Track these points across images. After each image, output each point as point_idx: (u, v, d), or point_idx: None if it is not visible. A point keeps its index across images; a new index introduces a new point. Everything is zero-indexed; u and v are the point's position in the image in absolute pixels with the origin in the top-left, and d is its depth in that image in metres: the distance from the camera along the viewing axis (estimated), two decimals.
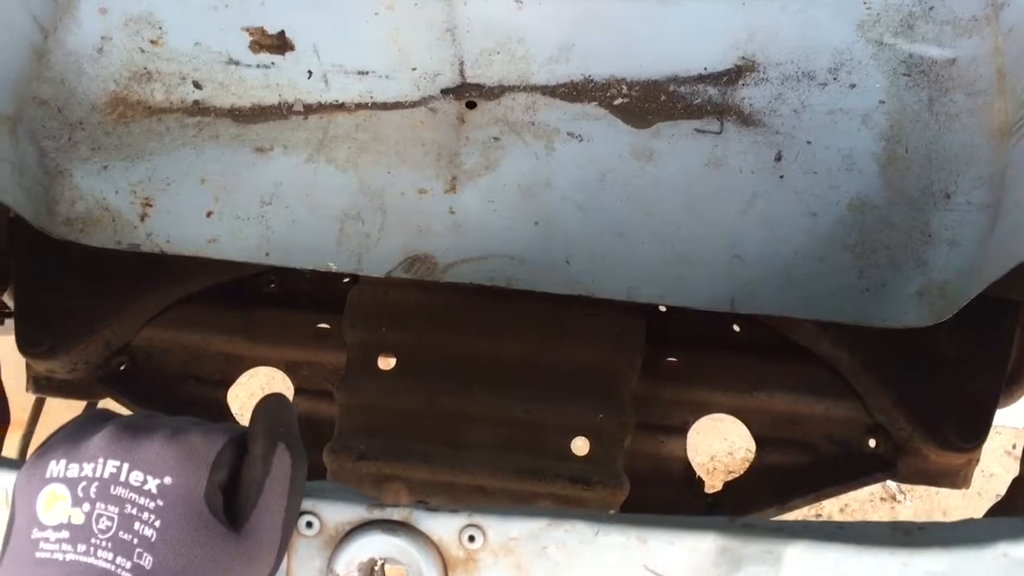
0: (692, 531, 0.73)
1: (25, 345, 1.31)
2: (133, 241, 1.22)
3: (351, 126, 1.29)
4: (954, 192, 1.18)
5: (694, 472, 1.34)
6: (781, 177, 1.24)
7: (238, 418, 1.45)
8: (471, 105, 1.31)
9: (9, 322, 1.32)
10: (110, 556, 0.65)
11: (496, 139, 1.29)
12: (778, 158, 1.25)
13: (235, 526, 0.68)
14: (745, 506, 1.29)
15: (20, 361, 1.35)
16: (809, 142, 1.25)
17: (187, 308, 1.37)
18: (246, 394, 1.88)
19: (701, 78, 1.30)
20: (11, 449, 1.32)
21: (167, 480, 0.67)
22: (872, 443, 1.31)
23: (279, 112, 1.30)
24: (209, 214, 1.23)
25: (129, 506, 0.66)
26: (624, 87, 1.30)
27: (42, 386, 1.36)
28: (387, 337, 1.25)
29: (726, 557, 0.72)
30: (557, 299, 1.20)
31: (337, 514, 0.74)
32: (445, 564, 0.73)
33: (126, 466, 0.67)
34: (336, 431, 1.23)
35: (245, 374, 1.37)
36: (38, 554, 0.66)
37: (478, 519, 0.73)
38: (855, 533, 0.73)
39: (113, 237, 1.21)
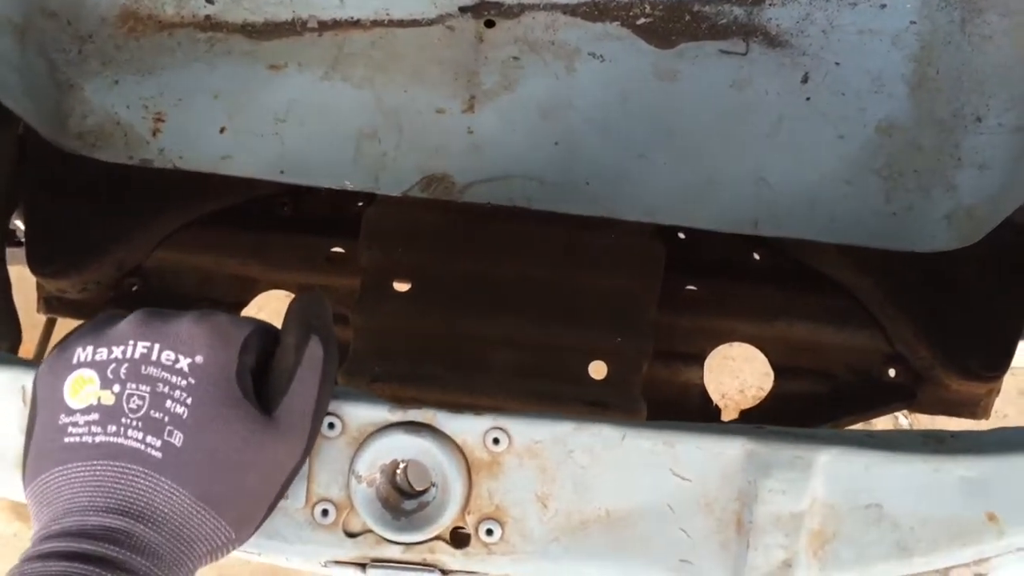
0: (720, 436, 0.71)
1: (36, 264, 1.29)
2: (145, 156, 1.19)
3: (367, 44, 1.26)
4: (985, 115, 1.15)
5: (711, 400, 1.33)
6: (808, 99, 1.21)
7: None
8: (490, 24, 1.28)
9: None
10: (140, 436, 0.64)
11: (515, 59, 1.26)
12: (805, 80, 1.22)
13: (266, 411, 0.67)
14: None
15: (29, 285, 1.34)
16: (837, 63, 1.21)
17: (200, 230, 1.35)
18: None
19: None
20: None
21: (198, 359, 0.66)
22: (892, 372, 1.30)
23: (293, 28, 1.26)
24: (222, 130, 1.21)
25: (161, 385, 0.65)
26: (647, 6, 1.27)
27: (53, 306, 1.34)
28: (403, 259, 1.24)
29: (754, 462, 0.71)
30: (577, 221, 1.18)
31: (359, 416, 0.73)
32: (469, 466, 0.72)
33: (157, 346, 0.66)
34: (350, 354, 1.21)
35: (260, 296, 1.36)
36: (66, 439, 0.65)
37: (503, 422, 0.72)
38: (886, 441, 0.71)
39: (125, 152, 1.19)
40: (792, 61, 1.23)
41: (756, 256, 1.35)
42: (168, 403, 0.65)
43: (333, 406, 0.73)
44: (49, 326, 1.37)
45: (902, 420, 2.10)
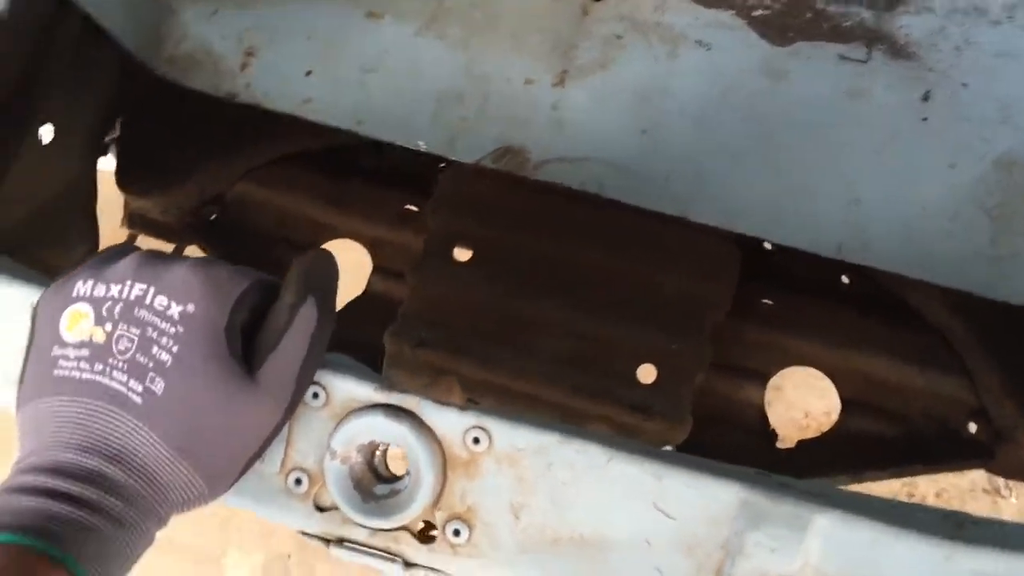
0: (715, 477, 0.66)
1: (123, 180, 1.32)
2: (231, 90, 1.20)
3: (468, 3, 1.22)
4: None
5: (768, 423, 1.25)
6: (925, 119, 1.11)
7: None
8: None
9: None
10: (124, 379, 0.64)
11: (618, 37, 1.20)
12: (926, 98, 1.12)
13: (250, 369, 0.66)
14: (816, 468, 1.20)
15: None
16: (965, 84, 1.11)
17: (284, 168, 1.35)
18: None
19: None
20: None
21: (190, 308, 0.65)
22: (973, 427, 1.19)
23: None
24: (309, 73, 1.20)
25: (150, 329, 0.65)
26: None
27: (135, 223, 1.38)
28: (468, 227, 1.20)
29: (747, 512, 0.65)
30: (651, 215, 1.12)
31: (345, 390, 0.70)
32: (445, 461, 0.69)
33: (152, 290, 0.66)
34: (400, 314, 1.20)
35: (331, 244, 1.36)
36: (56, 371, 0.66)
37: (486, 422, 0.68)
38: (899, 514, 0.64)
39: (212, 82, 1.19)
40: (916, 76, 1.12)
41: (844, 279, 1.26)
42: (154, 349, 0.65)
43: (321, 376, 0.71)
44: (130, 241, 1.41)
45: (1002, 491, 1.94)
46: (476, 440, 0.68)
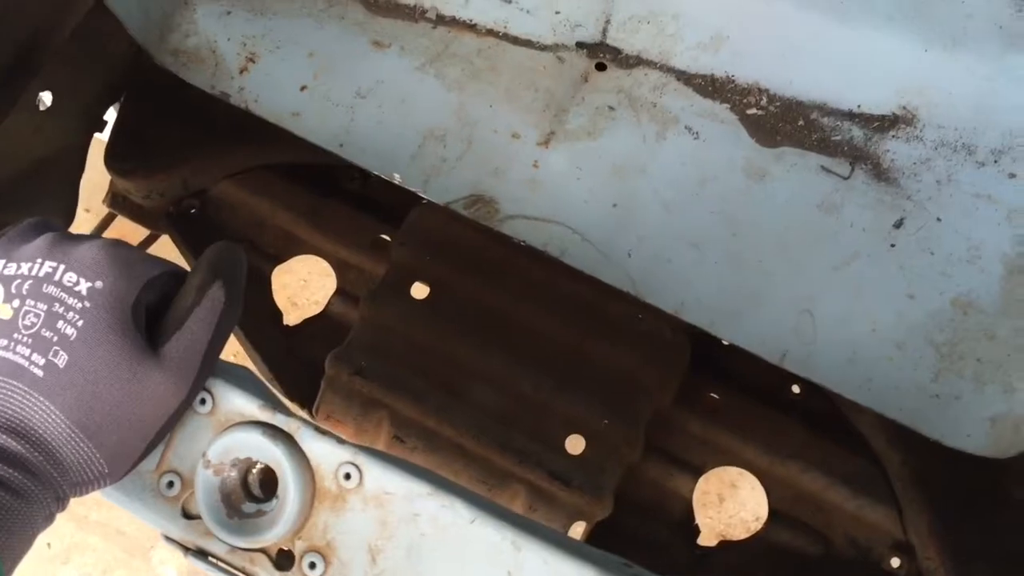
0: (574, 558, 0.65)
1: (111, 159, 1.34)
2: (225, 90, 1.21)
3: (473, 49, 1.24)
4: None
5: (693, 517, 1.24)
6: (892, 246, 1.11)
7: (281, 302, 1.44)
8: (601, 67, 1.23)
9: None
10: (27, 352, 0.64)
11: (611, 108, 1.21)
12: (898, 225, 1.12)
13: (154, 347, 0.66)
14: (730, 573, 1.18)
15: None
16: (939, 219, 1.11)
17: (268, 175, 1.37)
18: (296, 281, 1.84)
19: (850, 115, 1.17)
20: None
21: (98, 284, 0.66)
22: (895, 562, 1.17)
23: (411, 13, 1.26)
24: (303, 88, 1.21)
25: (57, 305, 0.65)
26: (764, 98, 1.19)
27: (117, 203, 1.39)
28: (429, 266, 1.21)
29: None
30: (610, 290, 1.12)
31: (231, 402, 0.70)
32: (315, 491, 0.68)
33: (62, 267, 0.66)
34: (347, 340, 1.20)
35: (296, 259, 1.37)
36: None
37: (362, 460, 0.68)
38: None
39: (209, 80, 1.21)
40: (892, 201, 1.13)
41: (795, 388, 1.25)
42: (60, 323, 0.65)
43: (212, 383, 0.70)
44: (108, 220, 1.42)
45: None
46: (348, 476, 0.68)
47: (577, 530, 1.11)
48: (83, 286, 0.66)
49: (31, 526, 0.63)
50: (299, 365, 1.30)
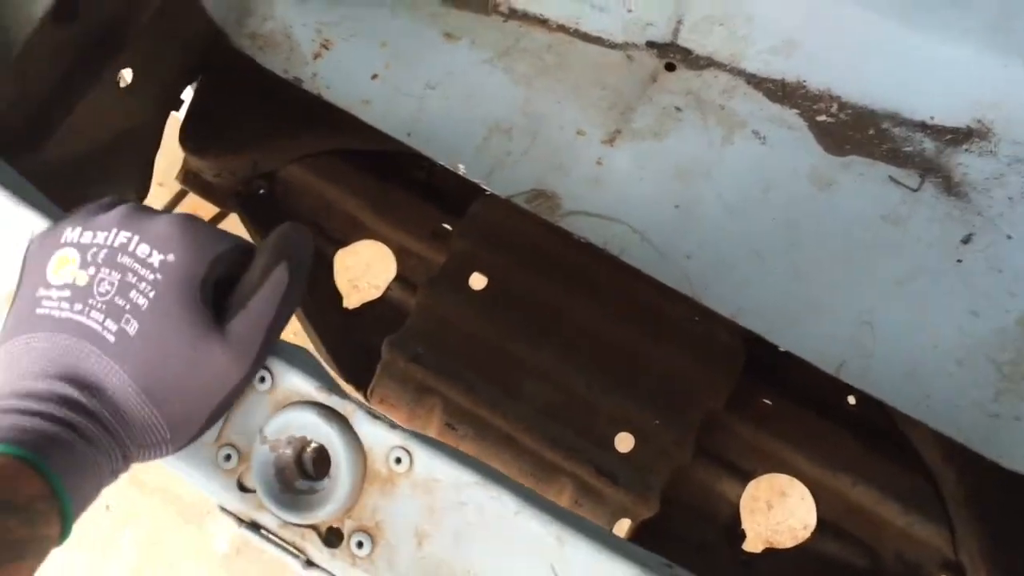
0: (617, 556, 0.66)
1: (185, 137, 1.37)
2: (298, 75, 1.24)
3: (543, 44, 1.25)
4: None
5: (740, 522, 1.23)
6: (959, 261, 1.09)
7: (342, 284, 1.47)
8: (670, 67, 1.23)
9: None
10: (101, 318, 0.67)
11: (678, 109, 1.21)
12: (966, 240, 1.10)
13: (220, 323, 0.68)
14: None
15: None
16: (1010, 237, 1.09)
17: (335, 161, 1.39)
18: (359, 264, 1.84)
19: (923, 126, 1.15)
20: None
21: (170, 257, 0.68)
22: None
23: (483, 6, 1.27)
24: (374, 77, 1.23)
25: (131, 275, 0.68)
26: (835, 105, 1.18)
27: (189, 180, 1.43)
28: (488, 258, 1.22)
29: None
30: (667, 290, 1.12)
31: (290, 381, 0.72)
32: (366, 472, 0.70)
33: (136, 238, 0.69)
34: (404, 327, 1.21)
35: (360, 243, 1.39)
36: (38, 310, 0.69)
37: (412, 445, 0.69)
38: None
39: (283, 65, 1.24)
40: (961, 216, 1.11)
41: (851, 400, 1.24)
42: (132, 293, 0.67)
43: (273, 363, 0.72)
44: (179, 196, 1.46)
45: None
46: (398, 460, 0.69)
47: (622, 527, 1.12)
48: (155, 258, 0.68)
49: (99, 475, 0.65)
50: (356, 348, 1.32)
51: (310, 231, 0.74)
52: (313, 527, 0.71)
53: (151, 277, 0.68)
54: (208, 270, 0.69)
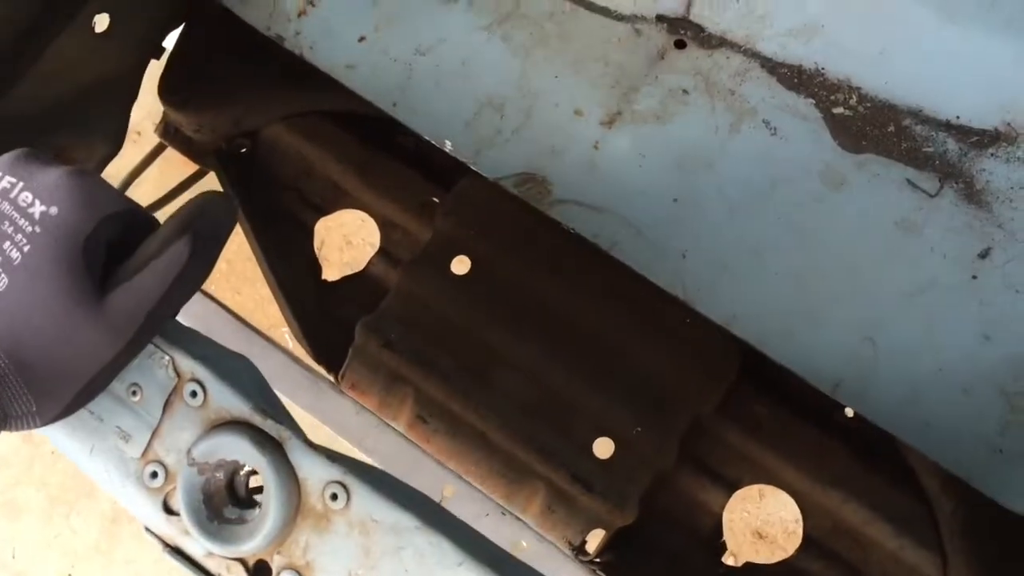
0: None
1: (164, 90, 1.30)
2: (281, 33, 1.16)
3: (545, 12, 1.16)
4: None
5: (721, 533, 1.18)
6: (974, 278, 1.01)
7: (337, 240, 1.40)
8: (680, 45, 1.14)
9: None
10: None
11: (685, 92, 1.12)
12: (984, 255, 1.02)
13: (102, 292, 0.61)
14: None
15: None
16: None
17: (322, 122, 1.31)
18: (355, 219, 1.76)
19: (947, 126, 1.06)
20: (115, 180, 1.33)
21: (53, 210, 0.61)
22: None
23: None
24: (361, 39, 1.15)
25: (7, 224, 0.61)
26: (854, 97, 1.09)
27: (168, 134, 1.35)
28: (473, 241, 1.15)
29: None
30: (658, 290, 1.05)
31: (224, 397, 0.66)
32: (299, 506, 0.64)
33: (20, 185, 0.62)
34: (380, 308, 1.15)
35: (343, 212, 1.32)
36: None
37: (351, 481, 0.63)
38: None
39: (265, 21, 1.16)
40: (981, 227, 1.02)
41: (848, 411, 1.17)
42: (6, 244, 0.61)
43: (207, 377, 0.66)
44: (158, 149, 1.38)
45: None
46: (335, 496, 0.63)
47: (596, 538, 1.06)
48: (37, 209, 0.61)
49: None
50: (331, 324, 1.26)
51: (235, 204, 0.66)
52: (240, 560, 0.65)
53: (29, 229, 0.61)
54: (95, 229, 0.61)
